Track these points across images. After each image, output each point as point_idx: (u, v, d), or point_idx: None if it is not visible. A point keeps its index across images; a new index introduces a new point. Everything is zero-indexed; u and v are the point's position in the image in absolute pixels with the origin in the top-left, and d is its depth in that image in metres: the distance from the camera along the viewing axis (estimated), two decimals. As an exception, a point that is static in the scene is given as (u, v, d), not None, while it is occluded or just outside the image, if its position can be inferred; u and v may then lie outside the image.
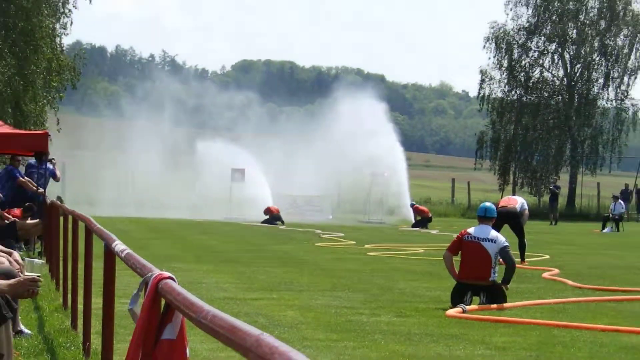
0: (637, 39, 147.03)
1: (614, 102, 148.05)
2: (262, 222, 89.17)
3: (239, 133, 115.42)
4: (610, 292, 38.55)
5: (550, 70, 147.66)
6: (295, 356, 5.46)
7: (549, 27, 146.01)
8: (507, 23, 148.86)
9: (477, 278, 32.84)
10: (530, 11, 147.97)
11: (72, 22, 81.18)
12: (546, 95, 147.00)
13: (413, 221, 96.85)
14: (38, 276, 19.06)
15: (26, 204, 42.77)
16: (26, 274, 20.12)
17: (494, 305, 32.16)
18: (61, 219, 32.56)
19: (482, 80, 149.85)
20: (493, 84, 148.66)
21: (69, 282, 26.29)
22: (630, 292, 37.99)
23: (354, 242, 63.57)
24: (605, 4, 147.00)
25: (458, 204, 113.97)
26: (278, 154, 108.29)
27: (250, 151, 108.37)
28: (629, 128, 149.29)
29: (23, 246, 35.50)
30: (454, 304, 31.89)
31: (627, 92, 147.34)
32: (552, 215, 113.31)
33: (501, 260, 33.23)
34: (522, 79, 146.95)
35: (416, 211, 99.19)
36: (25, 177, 46.50)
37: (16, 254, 22.86)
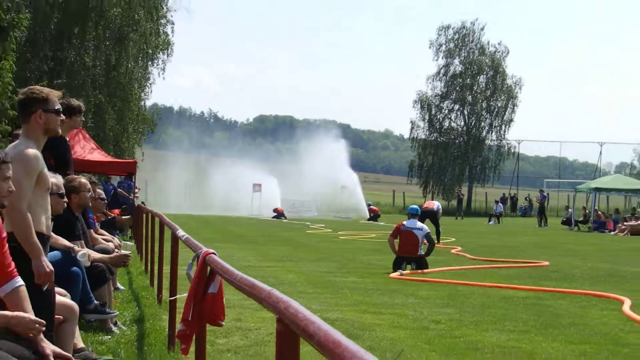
0: (510, 102, 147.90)
1: (495, 142, 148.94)
2: (272, 218, 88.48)
3: (258, 161, 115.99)
4: (494, 262, 38.84)
5: (455, 121, 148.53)
6: (294, 304, 5.37)
7: (454, 94, 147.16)
8: (428, 91, 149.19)
9: (409, 253, 33.00)
10: (442, 84, 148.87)
11: (151, 91, 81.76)
12: (452, 137, 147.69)
13: (368, 216, 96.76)
14: (129, 253, 19.26)
15: (123, 206, 42.83)
16: (122, 251, 20.15)
17: (420, 271, 32.38)
18: (144, 215, 32.49)
19: (412, 128, 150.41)
20: (419, 130, 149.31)
21: (149, 256, 26.29)
22: (506, 262, 38.36)
23: (330, 230, 63.41)
24: (490, 80, 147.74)
25: (397, 206, 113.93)
26: (282, 173, 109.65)
27: (265, 172, 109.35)
28: (505, 158, 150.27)
29: (119, 233, 35.44)
30: (394, 270, 32.05)
31: (504, 136, 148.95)
32: (457, 213, 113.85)
33: (425, 241, 33.44)
34: (437, 127, 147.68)
35: (370, 210, 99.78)
36: (118, 189, 46.58)
37: (115, 239, 22.91)
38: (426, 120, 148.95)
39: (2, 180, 8.87)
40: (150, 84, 79.98)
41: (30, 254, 10.33)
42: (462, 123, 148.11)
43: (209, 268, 9.75)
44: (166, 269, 18.75)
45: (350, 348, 3.98)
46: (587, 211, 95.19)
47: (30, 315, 5.99)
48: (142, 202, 42.78)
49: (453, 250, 45.12)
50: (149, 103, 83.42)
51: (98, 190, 23.09)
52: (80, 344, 13.45)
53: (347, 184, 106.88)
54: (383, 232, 48.74)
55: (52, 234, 12.95)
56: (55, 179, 14.11)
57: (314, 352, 4.55)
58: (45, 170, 10.73)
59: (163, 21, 79.39)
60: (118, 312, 18.57)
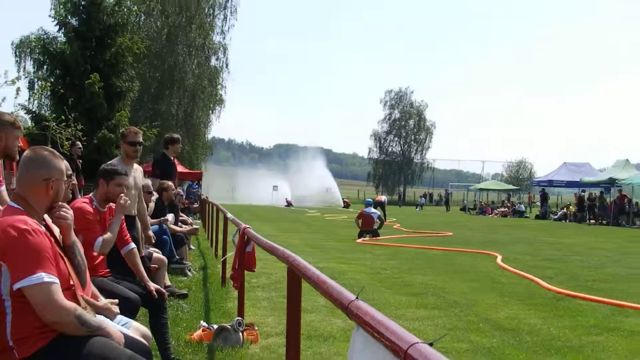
0: (428, 136, 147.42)
1: (419, 160, 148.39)
2: (284, 206, 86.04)
3: (275, 172, 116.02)
4: (419, 232, 38.50)
5: (395, 148, 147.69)
6: (297, 258, 5.29)
7: (394, 131, 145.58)
8: (378, 129, 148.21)
9: (367, 227, 32.90)
10: (387, 125, 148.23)
11: (211, 129, 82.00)
12: (393, 157, 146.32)
13: (343, 205, 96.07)
14: (197, 227, 19.37)
15: (192, 198, 42.96)
16: (194, 226, 20.22)
17: (374, 238, 32.19)
18: (207, 204, 32.33)
19: (369, 152, 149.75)
20: (373, 153, 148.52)
21: (209, 229, 26.20)
22: (426, 233, 38.06)
23: (320, 214, 62.94)
24: (416, 123, 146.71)
25: (360, 199, 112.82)
26: (290, 179, 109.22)
27: (279, 178, 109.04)
28: (425, 170, 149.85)
29: (191, 214, 35.54)
30: (359, 238, 31.85)
31: (424, 156, 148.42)
32: (399, 203, 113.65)
33: (377, 220, 33.38)
34: (384, 151, 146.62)
35: (344, 202, 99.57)
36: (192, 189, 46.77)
37: (189, 219, 22.89)
38: (377, 147, 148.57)
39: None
40: (210, 124, 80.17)
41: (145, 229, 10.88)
42: (399, 149, 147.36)
43: (246, 236, 9.71)
44: (220, 237, 18.70)
45: (332, 285, 3.94)
46: (475, 202, 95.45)
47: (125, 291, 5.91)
48: (206, 197, 42.64)
49: (394, 226, 44.91)
50: (209, 136, 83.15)
51: (179, 189, 23.04)
52: (168, 283, 13.49)
53: (330, 186, 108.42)
54: (352, 215, 48.44)
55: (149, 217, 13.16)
56: (148, 182, 14.13)
57: (310, 288, 4.50)
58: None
59: (219, 87, 79.54)
60: (190, 263, 18.65)
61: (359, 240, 31.73)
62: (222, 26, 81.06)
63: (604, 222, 59.12)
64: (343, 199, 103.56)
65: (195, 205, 42.04)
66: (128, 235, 9.24)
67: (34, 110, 37.49)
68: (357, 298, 3.45)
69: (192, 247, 22.05)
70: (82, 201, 8.66)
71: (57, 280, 4.96)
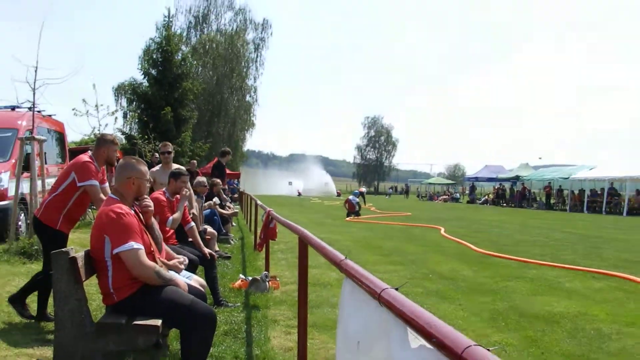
0: (394, 147, 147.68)
1: (388, 164, 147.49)
2: (296, 196, 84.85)
3: (289, 172, 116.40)
4: (388, 213, 38.08)
5: (372, 155, 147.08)
6: (304, 230, 5.24)
7: (372, 144, 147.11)
8: (360, 143, 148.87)
9: (352, 210, 32.67)
10: (367, 139, 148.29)
11: (246, 144, 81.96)
12: (371, 162, 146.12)
13: (336, 195, 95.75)
14: (237, 210, 19.17)
15: (233, 191, 42.77)
16: (234, 210, 20.04)
17: (357, 217, 31.87)
18: (243, 196, 32.16)
19: (354, 158, 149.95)
20: (357, 159, 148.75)
21: (245, 212, 26.04)
22: (393, 213, 37.67)
23: (320, 201, 62.76)
24: (385, 139, 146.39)
25: (348, 190, 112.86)
26: (300, 178, 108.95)
27: (292, 177, 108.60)
28: (391, 170, 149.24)
29: (234, 202, 35.35)
30: (347, 217, 31.62)
31: (392, 161, 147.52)
32: (374, 193, 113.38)
33: (356, 205, 33.16)
34: (365, 158, 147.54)
35: (337, 193, 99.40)
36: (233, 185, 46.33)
37: (232, 205, 22.66)
38: (359, 155, 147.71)
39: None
40: (245, 141, 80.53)
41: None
42: (374, 156, 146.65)
43: (270, 216, 9.67)
44: (252, 217, 18.64)
45: (328, 249, 3.93)
46: (426, 192, 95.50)
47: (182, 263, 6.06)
48: (243, 190, 42.61)
49: (371, 208, 44.72)
50: (245, 149, 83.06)
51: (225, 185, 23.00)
52: (217, 248, 13.43)
53: (327, 182, 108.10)
54: (342, 202, 48.30)
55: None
56: (203, 179, 14.26)
57: (314, 251, 4.48)
58: None
59: (252, 115, 79.86)
60: (233, 235, 18.57)
61: (347, 219, 31.41)
62: (254, 74, 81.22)
63: (512, 205, 59.64)
64: (336, 190, 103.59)
65: (236, 195, 42.11)
66: (189, 216, 9.44)
67: (126, 132, 38.01)
68: (345, 258, 3.45)
69: (233, 224, 21.99)
70: (158, 193, 8.89)
71: (142, 247, 5.11)
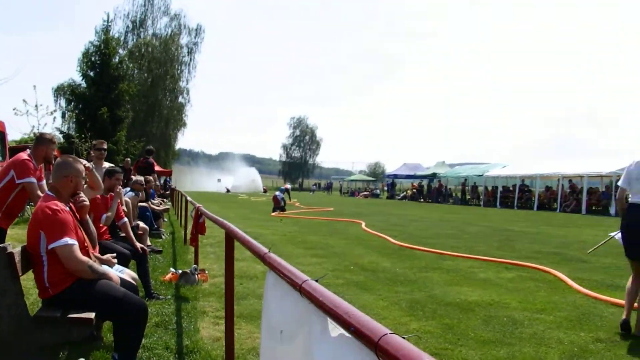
0: (317, 146, 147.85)
1: (312, 161, 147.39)
2: (225, 192, 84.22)
3: (217, 170, 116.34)
4: (312, 208, 37.98)
5: (297, 153, 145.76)
6: (231, 225, 5.23)
7: (297, 143, 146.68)
8: (286, 142, 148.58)
9: (277, 205, 32.71)
10: (292, 139, 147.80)
11: (177, 142, 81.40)
12: (296, 160, 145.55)
13: (263, 191, 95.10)
14: (168, 207, 18.97)
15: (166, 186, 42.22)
16: (166, 206, 19.85)
17: (282, 213, 31.79)
18: (175, 192, 31.83)
19: (280, 156, 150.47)
20: (283, 157, 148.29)
21: (177, 207, 25.81)
22: (316, 208, 37.65)
23: (247, 197, 62.22)
24: (310, 138, 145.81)
25: (275, 186, 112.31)
26: (229, 174, 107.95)
27: (221, 175, 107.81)
28: (315, 167, 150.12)
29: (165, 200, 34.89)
30: (273, 212, 31.67)
31: (315, 159, 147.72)
32: (299, 189, 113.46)
33: (282, 201, 33.21)
34: (290, 156, 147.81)
35: (264, 189, 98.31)
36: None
37: (163, 202, 22.40)
38: (285, 153, 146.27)
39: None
40: (177, 140, 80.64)
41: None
42: (299, 154, 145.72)
43: (199, 212, 9.61)
44: (183, 213, 18.46)
45: (253, 242, 3.94)
46: (348, 188, 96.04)
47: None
48: (174, 186, 42.03)
49: (295, 204, 44.64)
50: (177, 147, 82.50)
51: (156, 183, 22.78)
52: (149, 243, 13.26)
53: (254, 178, 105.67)
54: (268, 197, 48.12)
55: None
56: (140, 178, 14.10)
57: (240, 246, 4.48)
58: None
59: (184, 116, 79.64)
60: (164, 230, 18.37)
61: (273, 214, 31.31)
62: (187, 77, 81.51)
63: (430, 200, 60.52)
64: (263, 187, 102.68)
65: (167, 192, 41.72)
66: (122, 212, 9.37)
67: (64, 131, 37.60)
68: (269, 251, 3.46)
69: (165, 219, 21.78)
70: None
71: (76, 243, 5.07)
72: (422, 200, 62.63)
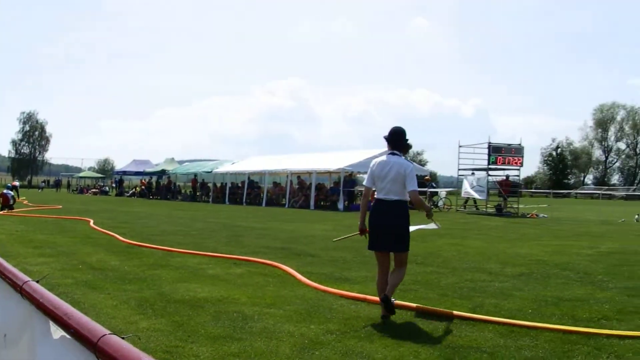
0: (46, 146, 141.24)
1: (42, 158, 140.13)
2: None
3: None
4: (43, 206, 35.71)
5: (26, 150, 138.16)
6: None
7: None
8: (18, 136, 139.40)
9: (6, 203, 30.57)
10: (21, 136, 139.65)
11: None
12: (25, 156, 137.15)
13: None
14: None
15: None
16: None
17: (10, 211, 29.63)
18: None
19: (9, 152, 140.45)
20: (13, 154, 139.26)
21: None
22: (48, 206, 35.67)
23: None
24: (39, 133, 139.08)
25: (2, 185, 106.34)
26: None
27: None
28: (46, 164, 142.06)
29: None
30: (1, 210, 29.74)
31: (45, 155, 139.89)
32: (28, 187, 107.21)
33: (11, 199, 31.10)
34: (20, 153, 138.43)
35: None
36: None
37: None
38: (14, 150, 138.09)
39: None
40: None
41: None
42: (29, 151, 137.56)
43: None
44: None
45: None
46: (77, 185, 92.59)
47: None
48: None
49: (24, 202, 41.58)
50: None
51: None
52: None
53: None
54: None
55: None
56: None
57: None
58: None
59: None
60: None
61: (1, 212, 29.00)
62: None
63: (159, 197, 60.57)
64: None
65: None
66: None
67: None
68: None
69: None
70: None
71: None
72: (151, 197, 62.20)
